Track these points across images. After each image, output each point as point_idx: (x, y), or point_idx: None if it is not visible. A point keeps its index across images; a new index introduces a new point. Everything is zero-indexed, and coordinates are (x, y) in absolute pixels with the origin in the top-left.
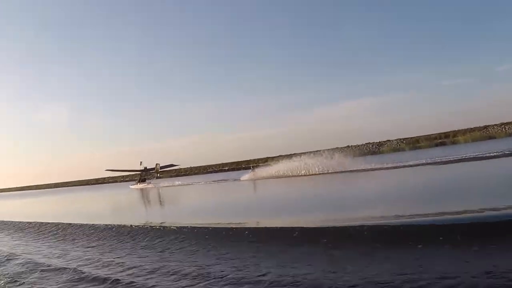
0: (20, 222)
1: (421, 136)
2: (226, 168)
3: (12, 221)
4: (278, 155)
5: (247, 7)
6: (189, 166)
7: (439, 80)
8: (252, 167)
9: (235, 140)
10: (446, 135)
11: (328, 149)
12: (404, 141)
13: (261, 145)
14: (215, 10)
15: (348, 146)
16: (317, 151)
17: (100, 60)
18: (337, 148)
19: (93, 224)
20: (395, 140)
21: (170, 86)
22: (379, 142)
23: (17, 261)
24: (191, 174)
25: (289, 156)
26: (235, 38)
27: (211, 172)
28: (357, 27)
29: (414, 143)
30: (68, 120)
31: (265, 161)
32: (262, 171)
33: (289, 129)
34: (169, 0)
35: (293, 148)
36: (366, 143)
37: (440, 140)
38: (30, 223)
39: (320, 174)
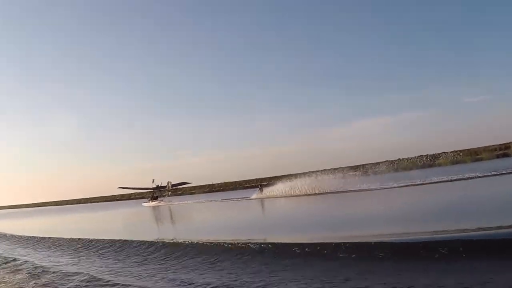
0: (80, 238)
1: (479, 147)
2: (232, 186)
3: (69, 238)
4: (301, 171)
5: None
6: (199, 184)
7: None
8: (260, 186)
9: (248, 158)
10: (506, 146)
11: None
12: (461, 153)
13: (278, 162)
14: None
15: (399, 159)
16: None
17: (112, 77)
18: (380, 162)
19: (141, 241)
20: (451, 152)
21: (181, 103)
22: (433, 154)
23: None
24: (200, 193)
25: (305, 173)
26: (246, 56)
27: (218, 191)
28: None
29: (472, 154)
30: (79, 135)
31: (288, 177)
32: (269, 190)
33: (313, 146)
34: (189, 21)
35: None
36: (418, 156)
37: (501, 152)
38: (81, 239)
39: (329, 193)
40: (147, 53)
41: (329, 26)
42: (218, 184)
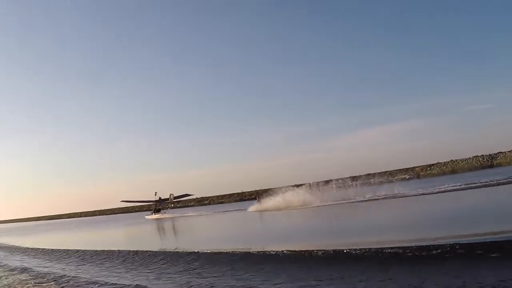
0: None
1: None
2: (227, 199)
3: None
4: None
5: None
6: (201, 196)
7: None
8: (258, 197)
9: (246, 170)
10: None
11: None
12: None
13: (278, 175)
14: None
15: (451, 161)
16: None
17: (107, 90)
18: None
19: (163, 251)
20: (509, 152)
21: (179, 118)
22: (490, 154)
23: None
24: (199, 205)
25: (297, 185)
26: (243, 69)
27: (216, 203)
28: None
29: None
30: (77, 149)
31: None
32: (267, 202)
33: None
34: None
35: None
36: (474, 156)
37: None
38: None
39: (327, 205)
40: (144, 63)
41: (330, 37)
42: (224, 195)
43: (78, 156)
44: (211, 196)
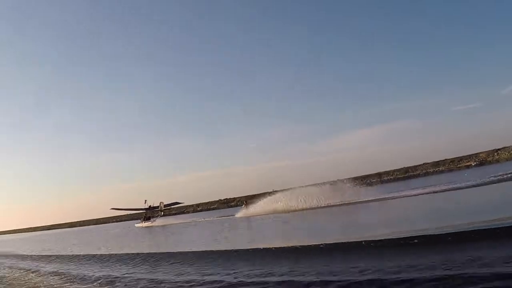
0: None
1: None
2: (209, 206)
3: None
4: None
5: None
6: (190, 204)
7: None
8: (245, 203)
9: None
10: None
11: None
12: None
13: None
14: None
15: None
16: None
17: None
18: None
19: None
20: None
21: (169, 124)
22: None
23: None
24: (186, 213)
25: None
26: (225, 73)
27: (202, 210)
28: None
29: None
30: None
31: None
32: (254, 207)
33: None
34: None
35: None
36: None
37: None
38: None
39: (313, 208)
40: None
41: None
42: (209, 202)
43: (63, 168)
44: (194, 204)
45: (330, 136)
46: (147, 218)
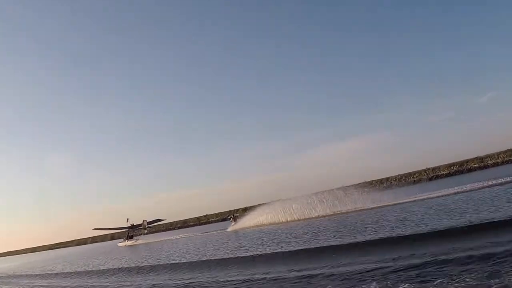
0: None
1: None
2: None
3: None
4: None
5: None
6: (174, 220)
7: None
8: (232, 216)
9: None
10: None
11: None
12: None
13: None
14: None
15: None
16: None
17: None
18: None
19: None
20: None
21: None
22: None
23: None
24: (174, 229)
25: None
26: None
27: (192, 225)
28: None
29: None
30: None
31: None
32: (243, 221)
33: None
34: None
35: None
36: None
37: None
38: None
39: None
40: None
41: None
42: (190, 219)
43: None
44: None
45: (305, 151)
46: (130, 237)
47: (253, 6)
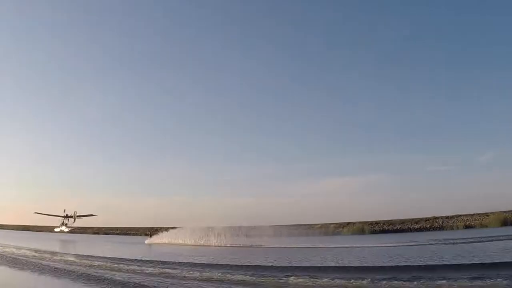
0: None
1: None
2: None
3: None
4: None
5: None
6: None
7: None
8: (150, 233)
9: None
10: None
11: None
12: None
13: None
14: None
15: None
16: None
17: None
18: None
19: None
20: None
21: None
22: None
23: None
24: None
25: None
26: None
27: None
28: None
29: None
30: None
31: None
32: (159, 237)
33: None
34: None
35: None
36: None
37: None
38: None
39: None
40: None
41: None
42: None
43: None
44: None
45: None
46: (64, 224)
47: None
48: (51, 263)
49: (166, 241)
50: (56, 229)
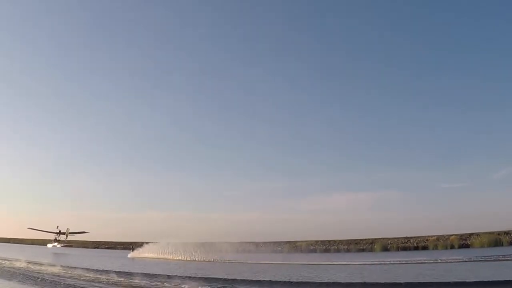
0: None
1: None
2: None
3: None
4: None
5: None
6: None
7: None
8: (132, 247)
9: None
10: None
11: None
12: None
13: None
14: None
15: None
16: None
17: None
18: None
19: None
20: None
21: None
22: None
23: None
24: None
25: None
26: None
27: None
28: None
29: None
30: None
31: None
32: (142, 251)
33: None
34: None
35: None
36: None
37: None
38: None
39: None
40: None
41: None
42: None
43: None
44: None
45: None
46: (57, 240)
47: None
48: None
49: (148, 255)
50: (49, 245)
